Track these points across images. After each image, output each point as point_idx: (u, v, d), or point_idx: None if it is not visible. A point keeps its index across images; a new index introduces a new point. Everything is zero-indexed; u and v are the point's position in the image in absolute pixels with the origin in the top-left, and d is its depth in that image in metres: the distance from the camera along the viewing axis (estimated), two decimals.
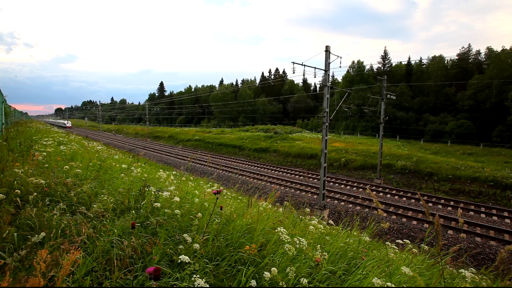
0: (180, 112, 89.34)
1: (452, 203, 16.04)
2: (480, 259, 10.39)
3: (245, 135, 40.99)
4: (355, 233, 3.73)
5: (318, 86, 78.67)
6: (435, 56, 56.69)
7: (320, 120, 13.80)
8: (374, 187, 19.35)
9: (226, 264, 2.15)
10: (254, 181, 20.79)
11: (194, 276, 1.64)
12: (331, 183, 20.59)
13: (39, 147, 5.86)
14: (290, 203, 4.92)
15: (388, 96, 21.65)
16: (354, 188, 19.25)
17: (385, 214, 3.33)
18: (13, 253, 1.73)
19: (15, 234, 1.95)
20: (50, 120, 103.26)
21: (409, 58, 67.10)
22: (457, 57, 53.21)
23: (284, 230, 2.41)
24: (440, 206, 15.55)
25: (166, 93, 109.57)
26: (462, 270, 2.59)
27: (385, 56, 60.58)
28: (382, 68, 59.82)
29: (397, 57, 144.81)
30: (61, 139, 9.41)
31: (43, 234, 1.91)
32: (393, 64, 58.13)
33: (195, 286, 1.57)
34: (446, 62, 54.40)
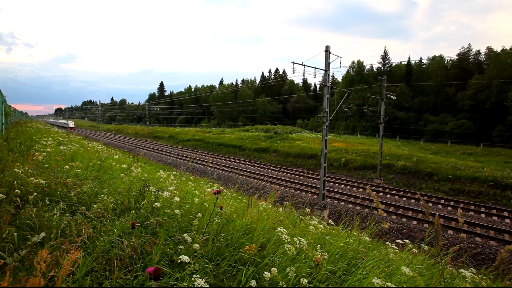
0: (180, 112, 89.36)
1: (452, 203, 16.04)
2: (480, 259, 10.39)
3: (245, 135, 41.00)
4: (355, 233, 3.73)
5: (318, 86, 78.75)
6: (435, 56, 56.80)
7: (320, 120, 13.80)
8: (374, 187, 19.35)
9: (226, 264, 2.14)
10: (254, 181, 20.78)
11: (194, 276, 1.64)
12: (331, 183, 20.59)
13: (39, 147, 5.85)
14: (290, 203, 4.92)
15: (388, 96, 21.65)
16: (354, 188, 19.25)
17: (385, 214, 3.35)
18: (13, 253, 1.73)
19: (15, 234, 1.95)
20: (51, 120, 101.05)
21: (409, 58, 67.23)
22: (457, 57, 53.24)
23: (284, 230, 2.41)
24: (440, 206, 15.55)
25: (166, 93, 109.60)
26: (462, 270, 2.59)
27: (385, 56, 60.62)
28: (382, 68, 59.84)
29: (397, 57, 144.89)
30: (61, 139, 9.42)
31: (43, 234, 1.91)
32: (393, 64, 58.17)
33: (195, 286, 1.57)
34: (446, 62, 54.42)
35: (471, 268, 2.83)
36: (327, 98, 13.43)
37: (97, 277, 1.76)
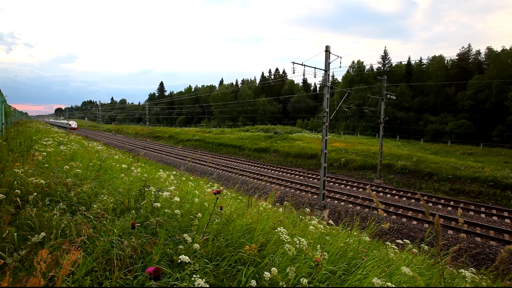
0: (180, 112, 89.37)
1: (452, 203, 16.04)
2: (480, 259, 10.39)
3: (245, 135, 41.00)
4: (355, 233, 3.73)
5: (318, 86, 78.74)
6: (435, 56, 56.81)
7: (320, 120, 13.81)
8: (374, 187, 19.35)
9: (226, 264, 2.14)
10: (254, 181, 20.78)
11: (194, 276, 1.64)
12: (331, 183, 20.58)
13: (39, 147, 5.85)
14: (290, 203, 4.92)
15: (388, 96, 21.65)
16: (354, 188, 19.25)
17: (385, 214, 3.34)
18: (13, 253, 1.73)
19: (15, 234, 1.95)
20: (51, 120, 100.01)
21: (409, 58, 67.23)
22: (457, 57, 53.23)
23: (284, 230, 2.41)
24: (440, 206, 15.55)
25: (166, 93, 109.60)
26: (462, 270, 2.59)
27: (385, 56, 60.61)
28: (382, 68, 59.83)
29: (397, 57, 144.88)
30: (61, 139, 9.42)
31: (43, 234, 1.91)
32: (393, 64, 58.16)
33: (195, 286, 1.57)
34: (446, 62, 54.42)
35: (471, 268, 2.83)
36: (327, 98, 13.43)
37: (97, 277, 1.76)
